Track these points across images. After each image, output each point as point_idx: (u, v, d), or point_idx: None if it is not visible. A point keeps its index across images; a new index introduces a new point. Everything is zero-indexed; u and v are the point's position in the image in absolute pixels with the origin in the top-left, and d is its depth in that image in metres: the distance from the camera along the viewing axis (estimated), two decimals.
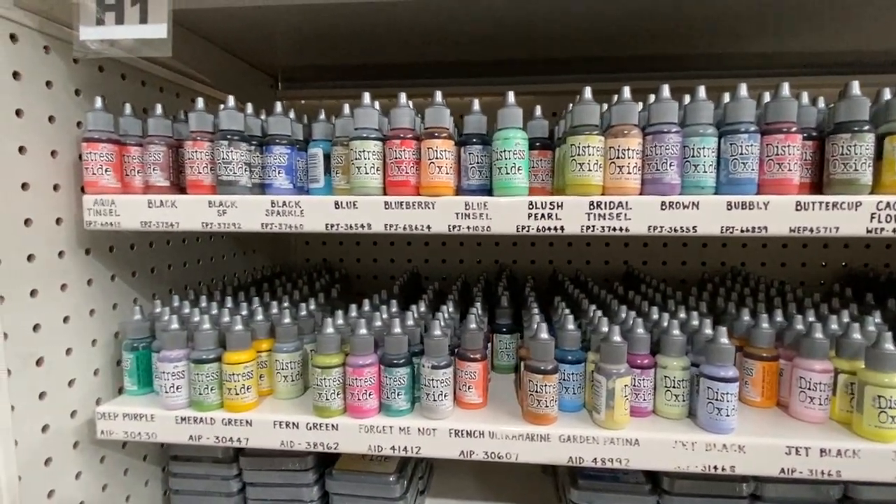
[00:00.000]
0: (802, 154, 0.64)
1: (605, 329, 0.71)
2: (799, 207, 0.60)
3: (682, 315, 0.81)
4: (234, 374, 0.72)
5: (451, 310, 0.85)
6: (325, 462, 0.90)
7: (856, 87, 0.62)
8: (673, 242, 1.31)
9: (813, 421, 0.69)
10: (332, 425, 0.70)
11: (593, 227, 0.63)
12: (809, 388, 0.68)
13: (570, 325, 0.73)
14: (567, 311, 0.81)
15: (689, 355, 0.72)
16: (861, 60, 1.12)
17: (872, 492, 0.79)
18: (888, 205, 0.59)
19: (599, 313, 0.78)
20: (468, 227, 0.65)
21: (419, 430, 0.69)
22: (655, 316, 0.79)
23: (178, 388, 0.73)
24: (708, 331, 0.71)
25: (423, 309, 0.85)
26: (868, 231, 0.60)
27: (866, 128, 0.60)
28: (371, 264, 1.40)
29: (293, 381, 0.77)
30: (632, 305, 0.92)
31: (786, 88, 0.63)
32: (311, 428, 0.71)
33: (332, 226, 0.67)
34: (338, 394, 0.71)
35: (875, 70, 1.14)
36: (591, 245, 1.34)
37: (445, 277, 1.37)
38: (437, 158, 0.65)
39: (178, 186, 0.77)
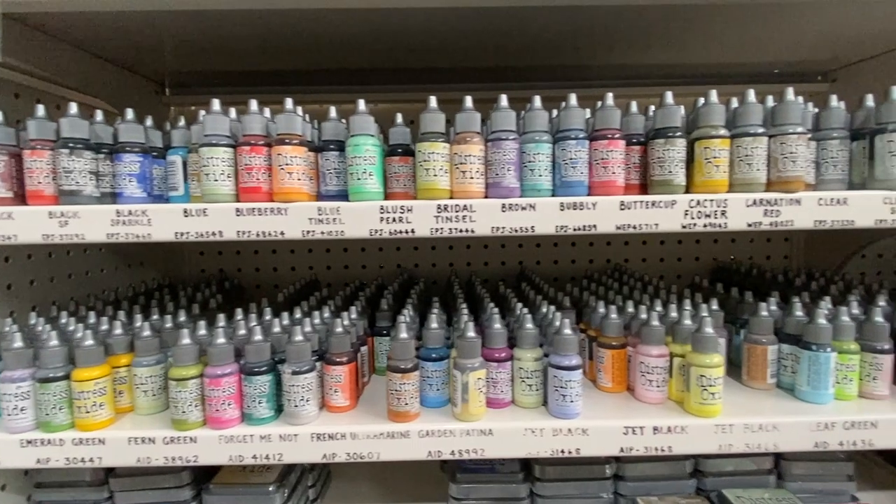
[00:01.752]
0: (630, 158, 0.70)
1: (462, 326, 0.74)
2: (623, 207, 0.66)
3: (544, 310, 0.86)
4: (83, 392, 0.69)
5: (326, 315, 0.85)
6: (206, 477, 0.88)
7: (669, 97, 0.69)
8: (564, 242, 1.38)
9: (653, 402, 0.75)
10: (191, 438, 0.69)
11: (441, 229, 0.66)
12: (648, 372, 0.75)
13: (434, 324, 0.75)
14: (436, 311, 0.84)
15: (545, 347, 0.76)
16: (710, 72, 1.25)
17: (719, 464, 0.88)
18: (698, 202, 0.66)
19: (465, 313, 0.82)
20: (322, 233, 0.66)
21: (280, 436, 0.69)
22: (518, 312, 0.84)
23: (22, 409, 0.69)
24: (557, 323, 0.76)
25: (298, 316, 0.85)
26: (683, 227, 0.67)
27: (678, 134, 0.67)
28: (271, 273, 1.38)
29: (154, 396, 0.75)
30: (504, 304, 0.96)
31: (610, 98, 0.69)
32: (168, 442, 0.69)
33: (181, 234, 0.66)
34: (195, 405, 0.69)
35: (726, 80, 1.26)
36: (506, 247, 1.39)
37: (349, 284, 1.37)
38: (287, 165, 0.65)
39: (24, 197, 0.73)
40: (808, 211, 0.67)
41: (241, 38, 0.97)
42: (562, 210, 0.66)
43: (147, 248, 1.24)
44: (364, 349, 0.83)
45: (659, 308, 0.84)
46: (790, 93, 0.68)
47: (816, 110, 0.74)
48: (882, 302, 0.81)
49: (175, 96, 1.29)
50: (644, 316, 0.79)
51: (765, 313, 0.80)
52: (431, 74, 1.20)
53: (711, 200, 0.66)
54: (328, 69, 1.19)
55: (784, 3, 0.85)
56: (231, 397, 0.69)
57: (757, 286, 1.09)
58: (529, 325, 0.74)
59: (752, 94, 0.69)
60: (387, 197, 0.74)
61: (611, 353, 0.79)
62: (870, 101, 0.74)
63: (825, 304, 0.82)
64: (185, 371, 0.69)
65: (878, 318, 0.75)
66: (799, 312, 0.78)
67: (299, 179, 0.66)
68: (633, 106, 0.73)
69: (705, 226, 0.67)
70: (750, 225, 0.67)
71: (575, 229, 0.67)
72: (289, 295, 1.07)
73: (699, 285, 1.11)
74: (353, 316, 0.84)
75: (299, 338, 0.70)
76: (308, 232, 0.66)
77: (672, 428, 0.69)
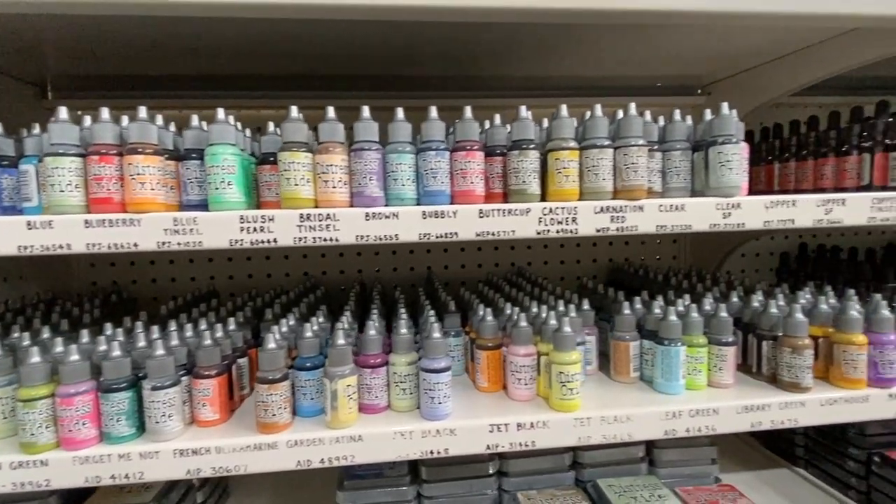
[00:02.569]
0: (494, 169, 0.73)
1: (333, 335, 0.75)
2: (482, 215, 0.69)
3: (431, 314, 0.88)
4: None
5: (201, 327, 0.83)
6: (81, 499, 0.84)
7: (523, 111, 0.73)
8: (486, 246, 1.42)
9: (522, 400, 0.79)
10: (41, 461, 0.65)
11: (304, 238, 0.67)
12: (517, 371, 0.78)
13: (308, 333, 0.75)
14: (321, 320, 0.84)
15: (422, 351, 0.78)
16: (603, 85, 1.32)
17: (596, 455, 0.93)
18: (551, 210, 0.70)
19: (345, 321, 0.82)
20: (178, 244, 0.65)
21: (140, 454, 0.67)
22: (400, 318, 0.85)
23: None
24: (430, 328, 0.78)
25: (173, 329, 0.83)
26: (538, 233, 0.71)
27: (532, 146, 0.71)
28: (169, 284, 1.33)
29: (5, 419, 0.70)
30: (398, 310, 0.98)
31: (468, 112, 0.72)
32: (15, 467, 0.65)
33: (25, 248, 0.63)
34: (47, 427, 0.66)
35: (616, 93, 1.35)
36: (431, 252, 1.40)
37: (251, 293, 1.34)
38: (139, 175, 0.64)
39: None
40: (650, 217, 0.72)
41: (126, 41, 0.94)
42: (424, 218, 0.68)
43: (29, 260, 1.17)
44: (243, 361, 0.82)
45: (536, 309, 0.89)
46: (632, 108, 0.73)
47: (662, 123, 0.81)
48: (734, 298, 0.88)
49: (59, 100, 1.22)
50: (515, 318, 0.83)
51: (627, 312, 0.86)
52: (314, 82, 1.20)
53: (562, 208, 0.70)
54: (225, 75, 1.17)
55: (652, 24, 0.92)
56: (86, 416, 0.66)
57: (644, 285, 1.16)
58: (404, 331, 0.76)
59: (633, 108, 0.74)
60: (259, 206, 0.74)
61: (485, 354, 0.82)
62: (708, 115, 0.81)
63: (681, 302, 0.89)
64: (33, 391, 0.65)
65: (723, 314, 0.83)
66: (657, 311, 0.85)
67: (153, 189, 0.65)
68: (497, 119, 0.76)
69: (558, 232, 0.71)
70: (598, 230, 0.71)
71: (437, 237, 0.69)
72: (175, 307, 1.04)
73: (586, 286, 1.18)
74: (232, 327, 0.83)
75: (160, 352, 0.68)
76: (163, 243, 0.65)
77: (535, 424, 0.73)
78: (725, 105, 0.75)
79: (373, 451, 0.71)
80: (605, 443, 0.75)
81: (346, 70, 1.15)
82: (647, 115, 0.78)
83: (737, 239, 1.31)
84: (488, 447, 0.73)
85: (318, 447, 0.70)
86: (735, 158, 0.73)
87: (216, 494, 1.01)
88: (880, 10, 0.75)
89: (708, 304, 0.90)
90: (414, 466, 0.90)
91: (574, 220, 0.71)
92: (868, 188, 0.95)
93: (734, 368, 0.82)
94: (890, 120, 0.91)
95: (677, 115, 0.79)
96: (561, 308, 0.88)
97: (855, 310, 0.80)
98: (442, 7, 0.65)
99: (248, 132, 0.86)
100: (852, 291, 0.86)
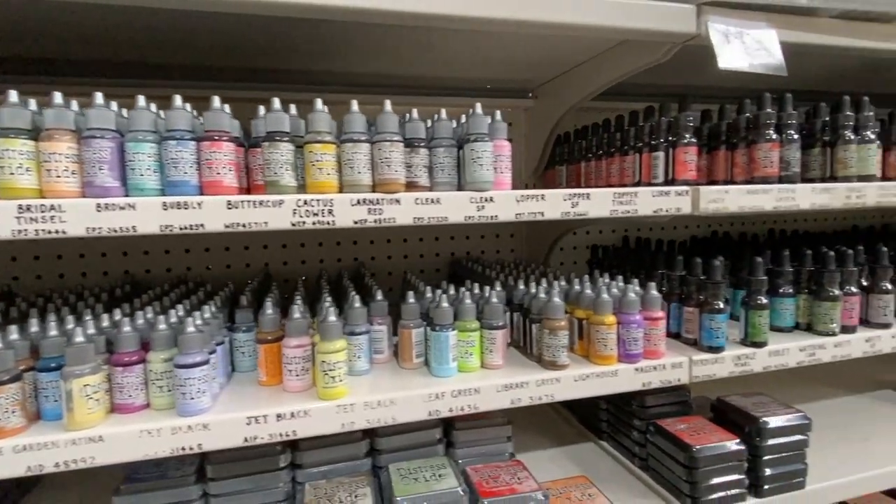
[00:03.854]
0: (255, 160, 0.73)
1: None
2: (230, 206, 0.69)
3: (205, 311, 0.86)
4: None
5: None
6: None
7: (277, 103, 0.73)
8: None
9: (296, 391, 0.80)
10: None
11: (26, 231, 0.63)
12: (289, 363, 0.79)
13: (53, 332, 0.71)
14: (89, 318, 0.79)
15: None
16: (442, 85, 1.37)
17: (392, 440, 0.96)
18: (306, 202, 0.71)
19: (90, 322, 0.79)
20: None
21: None
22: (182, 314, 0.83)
23: None
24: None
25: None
26: (293, 224, 0.71)
27: (285, 138, 0.72)
28: (79, 279, 1.21)
29: None
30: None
31: (216, 101, 0.71)
32: None
33: None
34: None
35: (457, 93, 1.40)
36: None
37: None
38: None
39: None
40: (407, 209, 0.76)
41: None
42: (165, 210, 0.67)
43: None
44: None
45: (328, 302, 0.90)
46: (388, 105, 0.76)
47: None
48: (498, 287, 0.95)
49: None
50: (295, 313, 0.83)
51: (411, 301, 0.89)
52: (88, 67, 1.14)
53: (318, 200, 0.72)
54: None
55: (479, 31, 0.95)
56: None
57: (477, 277, 1.21)
58: (162, 327, 0.74)
59: (388, 105, 0.77)
60: None
61: (264, 348, 0.82)
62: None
63: (463, 290, 0.94)
64: None
65: (494, 300, 0.88)
66: (445, 304, 0.88)
67: None
68: (261, 110, 0.76)
69: (314, 223, 0.72)
70: (356, 222, 0.74)
71: (182, 228, 0.68)
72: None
73: (409, 281, 1.21)
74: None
75: None
76: None
77: (295, 413, 0.74)
78: (479, 105, 0.81)
79: (115, 452, 0.68)
80: (370, 427, 0.77)
81: (117, 56, 1.09)
82: (415, 113, 0.81)
83: (554, 233, 1.41)
84: (246, 439, 0.73)
85: (51, 451, 0.66)
86: (485, 155, 0.79)
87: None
88: (632, 24, 0.84)
89: (488, 292, 0.96)
90: (201, 464, 0.88)
91: (331, 212, 0.73)
92: (638, 185, 1.06)
93: (504, 350, 0.89)
94: (652, 124, 1.02)
95: (443, 113, 0.83)
96: (357, 302, 0.90)
97: (606, 293, 0.89)
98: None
99: None
100: (636, 279, 0.96)
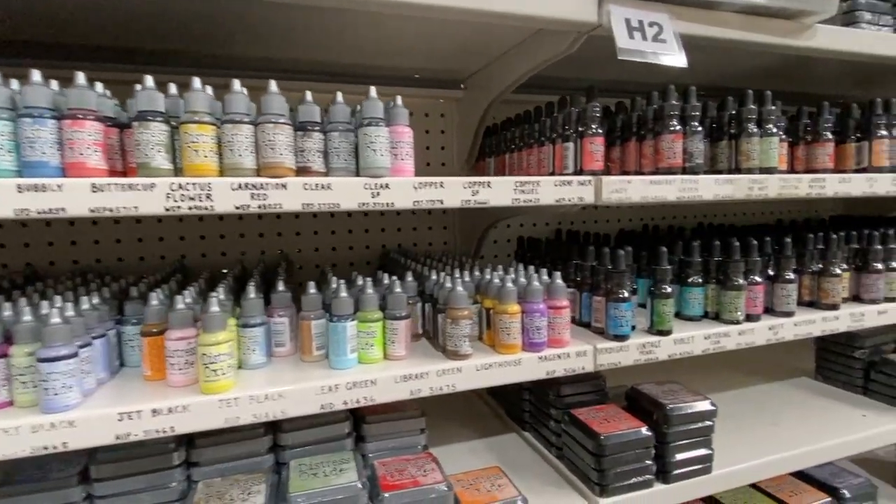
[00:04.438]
0: (119, 141, 0.69)
1: None
2: (95, 189, 0.65)
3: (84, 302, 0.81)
4: None
5: None
6: None
7: (149, 81, 0.69)
8: (251, 233, 1.36)
9: (179, 385, 0.76)
10: None
11: None
12: (170, 356, 0.75)
13: None
14: None
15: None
16: (367, 73, 1.34)
17: (297, 436, 0.93)
18: (181, 185, 0.68)
19: None
20: None
21: None
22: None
23: None
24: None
25: None
26: (167, 209, 0.68)
27: (158, 118, 0.68)
28: None
29: None
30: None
31: (81, 78, 0.67)
32: None
33: None
34: None
35: (387, 82, 1.37)
36: (186, 239, 1.31)
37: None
38: None
39: None
40: (295, 195, 0.73)
41: None
42: (20, 192, 0.62)
43: None
44: None
45: (222, 294, 0.86)
46: (273, 85, 0.73)
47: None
48: (410, 277, 0.93)
49: None
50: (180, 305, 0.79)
51: (312, 291, 0.86)
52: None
53: (194, 184, 0.68)
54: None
55: (394, 16, 0.92)
56: None
57: (401, 268, 1.19)
58: (26, 318, 0.69)
59: (274, 85, 0.73)
60: None
61: (147, 341, 0.78)
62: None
63: (366, 280, 0.92)
64: None
65: (397, 290, 0.87)
66: (343, 294, 0.86)
67: None
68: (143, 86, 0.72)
69: (190, 209, 0.69)
70: (238, 207, 0.71)
71: (40, 213, 0.63)
72: None
73: (324, 273, 1.18)
74: None
75: None
76: None
77: (173, 409, 0.70)
78: (373, 89, 0.79)
79: None
80: (257, 422, 0.75)
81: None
82: (308, 96, 0.79)
83: (483, 225, 1.41)
84: (118, 437, 0.69)
85: None
86: (379, 140, 0.77)
87: None
88: (535, 12, 0.84)
89: (406, 280, 0.94)
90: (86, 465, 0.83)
91: (209, 196, 0.69)
92: (552, 175, 1.06)
93: (407, 341, 0.87)
94: (562, 115, 1.02)
95: (339, 97, 0.80)
96: (252, 293, 0.87)
97: (511, 282, 0.89)
98: None
99: None
100: (546, 269, 0.96)
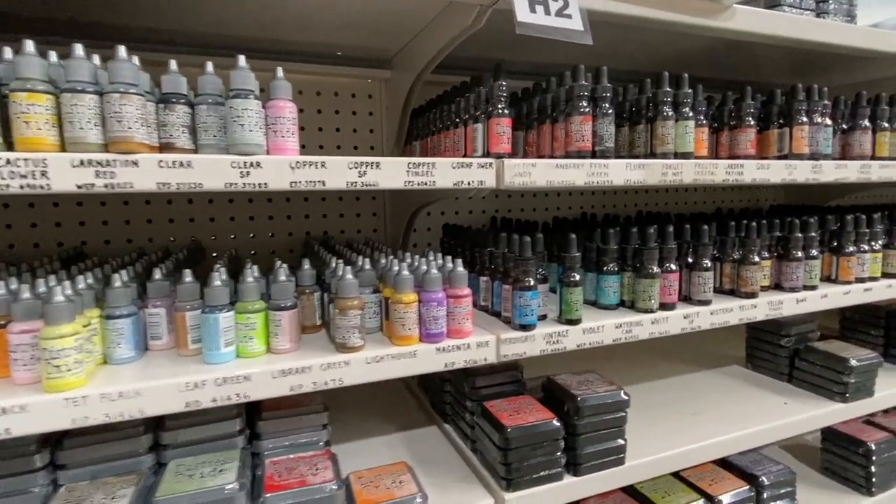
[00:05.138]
0: None
1: None
2: None
3: None
4: None
5: None
6: None
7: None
8: (160, 219, 1.28)
9: (25, 382, 0.69)
10: None
11: None
12: (13, 350, 0.68)
13: None
14: None
15: None
16: (283, 49, 1.26)
17: (180, 434, 0.87)
18: (9, 161, 0.61)
19: None
20: None
21: None
22: None
23: None
24: None
25: None
26: None
27: None
28: None
29: None
30: None
31: None
32: None
33: None
34: None
35: (311, 59, 1.30)
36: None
37: None
38: None
39: None
40: (148, 173, 0.66)
41: None
42: None
43: None
44: None
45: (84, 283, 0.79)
46: (122, 51, 0.66)
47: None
48: (307, 265, 0.88)
49: None
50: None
51: (188, 279, 0.80)
52: None
53: (26, 160, 0.61)
54: None
55: None
56: None
57: (317, 257, 1.13)
58: None
59: (122, 50, 0.66)
60: None
61: None
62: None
63: (246, 269, 0.86)
64: None
65: (281, 278, 0.81)
66: (217, 283, 0.79)
67: None
68: None
69: (22, 188, 0.61)
70: (80, 187, 0.64)
71: None
72: None
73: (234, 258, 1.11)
74: None
75: None
76: None
77: (8, 409, 0.64)
78: (242, 58, 0.72)
79: None
80: (111, 422, 0.68)
81: None
82: (173, 65, 0.72)
83: (408, 211, 1.36)
84: None
85: None
86: (248, 114, 0.70)
87: None
88: None
89: (285, 272, 0.88)
90: None
91: (44, 174, 0.62)
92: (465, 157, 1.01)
93: (293, 333, 0.81)
94: (474, 95, 0.97)
95: (209, 66, 0.73)
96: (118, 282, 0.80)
97: (407, 270, 0.84)
98: None
99: None
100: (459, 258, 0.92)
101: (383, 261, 0.97)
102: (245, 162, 0.70)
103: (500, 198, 1.63)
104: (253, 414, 0.94)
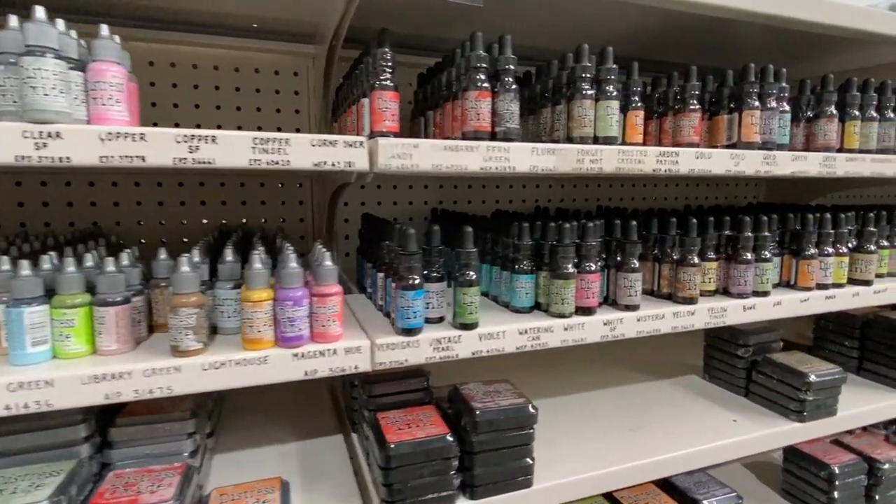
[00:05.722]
0: None
1: None
2: None
3: None
4: None
5: None
6: None
7: None
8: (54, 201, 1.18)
9: None
10: None
11: None
12: None
13: None
14: None
15: None
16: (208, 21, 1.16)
17: (11, 441, 0.78)
18: None
19: None
20: None
21: None
22: None
23: None
24: None
25: None
26: None
27: None
28: None
29: None
30: None
31: None
32: None
33: None
34: None
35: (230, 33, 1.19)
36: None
37: None
38: None
39: None
40: None
41: None
42: None
43: None
44: None
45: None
46: None
47: None
48: (163, 255, 0.77)
49: None
50: None
51: (4, 267, 0.70)
52: None
53: None
54: None
55: None
56: None
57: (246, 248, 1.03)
58: None
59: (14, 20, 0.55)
60: None
61: None
62: None
63: (67, 259, 0.75)
64: None
65: (109, 269, 0.71)
66: (26, 272, 0.69)
67: None
68: None
69: None
70: None
71: None
72: None
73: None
74: None
75: None
76: None
77: None
78: (40, 9, 0.61)
79: None
80: None
81: None
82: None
83: (326, 195, 1.25)
84: None
85: None
86: (41, 75, 0.60)
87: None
88: None
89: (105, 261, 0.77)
90: None
91: None
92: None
93: (124, 331, 0.71)
94: (364, 66, 0.86)
95: (12, 21, 0.63)
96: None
97: (259, 263, 0.73)
98: None
99: None
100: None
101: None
102: (41, 132, 0.60)
103: (473, 188, 1.52)
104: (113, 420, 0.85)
